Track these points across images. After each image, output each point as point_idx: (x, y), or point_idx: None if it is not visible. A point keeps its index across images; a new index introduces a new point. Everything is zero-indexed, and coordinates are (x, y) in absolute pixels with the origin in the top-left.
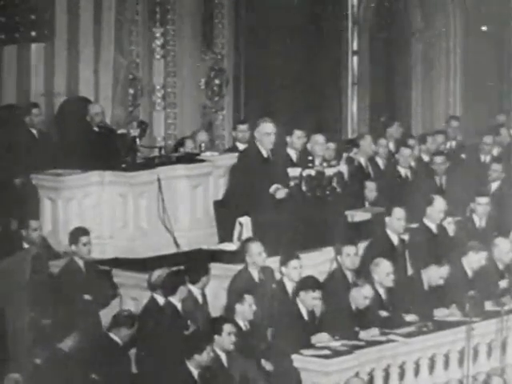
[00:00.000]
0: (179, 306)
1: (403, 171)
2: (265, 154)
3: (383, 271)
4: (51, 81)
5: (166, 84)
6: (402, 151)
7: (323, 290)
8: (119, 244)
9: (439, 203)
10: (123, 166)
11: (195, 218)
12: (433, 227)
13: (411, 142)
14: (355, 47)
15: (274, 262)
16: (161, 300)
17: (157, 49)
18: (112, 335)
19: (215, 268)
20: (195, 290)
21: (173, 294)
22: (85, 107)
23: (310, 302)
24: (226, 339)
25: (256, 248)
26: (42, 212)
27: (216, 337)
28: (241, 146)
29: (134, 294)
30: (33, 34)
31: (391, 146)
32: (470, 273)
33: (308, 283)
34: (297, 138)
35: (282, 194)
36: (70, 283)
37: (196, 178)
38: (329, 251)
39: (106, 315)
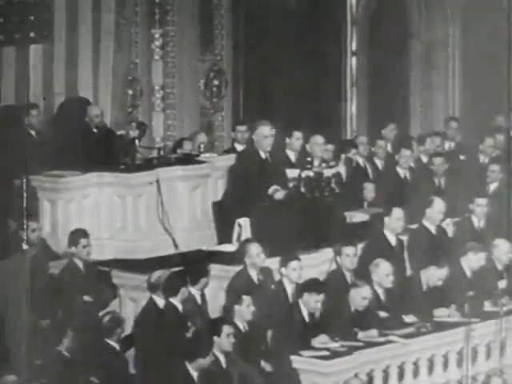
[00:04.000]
0: (180, 307)
1: (402, 172)
2: (263, 155)
3: (383, 272)
4: (50, 82)
5: (165, 85)
6: (402, 152)
7: (324, 292)
8: (118, 245)
9: (438, 204)
10: (122, 167)
11: (194, 219)
12: (432, 228)
13: (411, 143)
14: (354, 48)
15: (273, 263)
16: (160, 301)
17: (156, 50)
18: (108, 341)
19: (214, 269)
20: (194, 291)
21: (175, 295)
22: (84, 108)
23: (312, 305)
24: (225, 340)
25: (255, 249)
26: (41, 213)
27: (215, 338)
28: (239, 147)
29: (133, 295)
30: (31, 34)
31: (388, 147)
32: (469, 273)
33: (313, 286)
34: (296, 139)
35: (280, 195)
36: (70, 284)
37: (195, 179)
38: (328, 252)
39: None
